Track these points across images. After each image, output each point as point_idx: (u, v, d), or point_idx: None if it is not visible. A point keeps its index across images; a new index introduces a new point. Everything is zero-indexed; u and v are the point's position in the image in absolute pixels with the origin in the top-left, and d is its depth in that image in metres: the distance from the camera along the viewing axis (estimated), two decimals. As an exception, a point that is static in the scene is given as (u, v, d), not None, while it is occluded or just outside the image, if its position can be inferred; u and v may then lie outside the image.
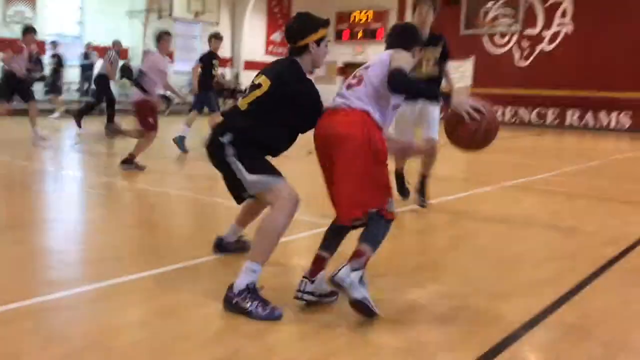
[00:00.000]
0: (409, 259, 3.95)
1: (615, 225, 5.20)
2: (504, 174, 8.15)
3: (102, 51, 17.37)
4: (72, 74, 16.96)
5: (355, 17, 24.50)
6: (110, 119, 11.44)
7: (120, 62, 13.78)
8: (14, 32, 14.20)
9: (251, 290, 2.81)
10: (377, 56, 3.18)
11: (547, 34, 20.32)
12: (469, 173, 8.66)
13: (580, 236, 4.76)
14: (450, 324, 2.82)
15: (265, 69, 3.16)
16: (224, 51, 21.89)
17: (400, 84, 2.92)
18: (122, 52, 16.43)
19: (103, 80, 11.92)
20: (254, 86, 3.08)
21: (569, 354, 2.58)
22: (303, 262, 3.85)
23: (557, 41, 20.11)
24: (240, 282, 2.82)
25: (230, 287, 2.84)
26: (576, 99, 19.59)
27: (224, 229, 3.81)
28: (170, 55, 19.26)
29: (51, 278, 3.30)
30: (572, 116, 19.97)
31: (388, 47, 3.23)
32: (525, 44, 20.67)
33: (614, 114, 19.21)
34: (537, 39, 20.45)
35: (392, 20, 23.66)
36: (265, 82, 3.04)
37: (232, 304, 2.80)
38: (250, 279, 2.83)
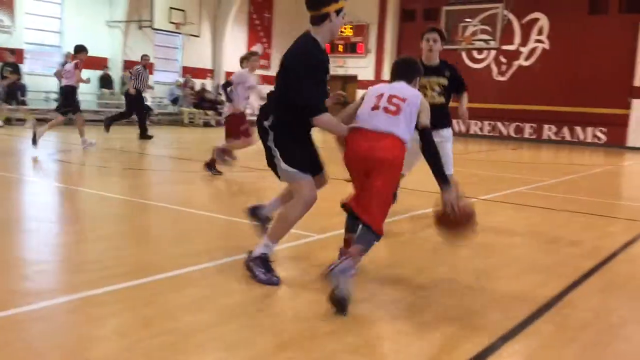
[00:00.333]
0: (387, 269, 3.97)
1: (591, 238, 5.28)
2: (482, 187, 8.23)
3: (81, 61, 17.26)
4: (51, 84, 16.78)
5: (336, 30, 24.66)
6: (142, 130, 12.93)
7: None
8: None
9: (262, 260, 3.35)
10: (408, 89, 3.59)
11: (524, 50, 20.70)
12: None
13: (557, 249, 4.82)
14: (429, 335, 2.83)
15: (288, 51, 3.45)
16: (205, 62, 21.89)
17: (428, 145, 3.49)
18: (99, 62, 16.35)
19: (131, 93, 13.00)
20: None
21: (547, 364, 2.61)
22: (289, 273, 3.86)
23: (534, 57, 20.49)
24: (256, 252, 3.39)
25: (249, 252, 3.43)
26: (553, 114, 19.95)
27: (202, 238, 3.79)
28: (150, 66, 19.25)
29: (27, 289, 3.24)
30: (548, 131, 20.30)
31: (393, 78, 3.73)
32: (503, 59, 21.01)
33: (589, 129, 19.57)
34: (515, 55, 20.81)
35: (372, 33, 23.91)
36: (282, 61, 3.38)
37: (247, 265, 3.39)
38: (264, 251, 3.38)
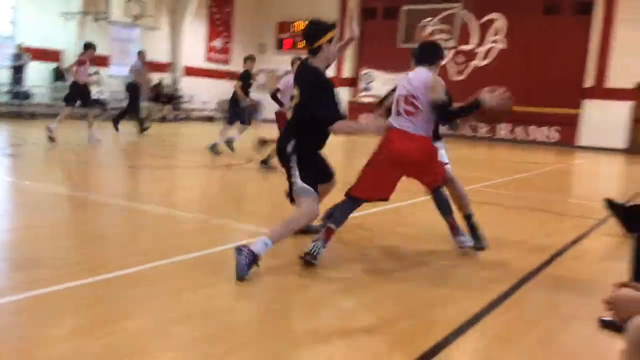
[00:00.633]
0: (342, 268, 4.01)
1: (542, 235, 5.44)
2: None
3: (34, 52, 16.76)
4: (2, 76, 16.26)
5: (297, 26, 24.65)
6: (141, 125, 13.54)
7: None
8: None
9: (254, 255, 3.52)
10: (418, 79, 4.08)
11: (481, 50, 21.09)
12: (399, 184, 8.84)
13: (507, 245, 4.95)
14: (383, 332, 2.89)
15: (295, 78, 4.04)
16: (163, 56, 21.54)
17: (446, 115, 4.20)
18: (53, 54, 15.90)
19: (132, 88, 13.55)
20: (292, 97, 3.94)
21: (497, 358, 2.69)
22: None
23: (491, 57, 20.91)
24: (254, 247, 3.53)
25: (247, 244, 3.57)
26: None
27: (156, 236, 3.76)
28: (105, 60, 18.84)
29: (-25, 288, 3.16)
30: (503, 130, 20.76)
31: (417, 63, 4.20)
32: (460, 59, 21.36)
33: (543, 128, 20.09)
34: (471, 55, 21.19)
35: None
36: (297, 90, 3.88)
37: (238, 249, 3.50)
38: (260, 249, 3.56)
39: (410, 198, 6.51)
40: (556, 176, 11.49)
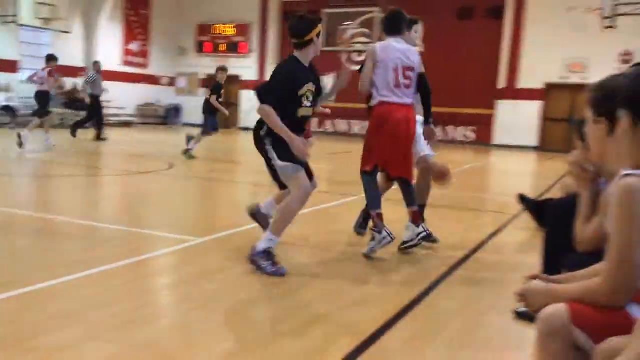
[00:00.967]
0: (258, 276, 3.96)
1: (460, 230, 5.62)
2: (349, 186, 8.46)
3: None
4: None
5: (217, 29, 24.36)
6: (99, 133, 14.23)
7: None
8: None
9: (267, 253, 3.67)
10: (413, 53, 4.56)
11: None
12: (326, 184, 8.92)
13: (428, 243, 5.06)
14: (306, 334, 2.87)
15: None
16: (77, 60, 20.69)
17: (425, 86, 4.61)
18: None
19: (92, 98, 14.21)
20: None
21: (421, 354, 2.73)
22: (167, 280, 3.75)
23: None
24: (259, 246, 3.68)
25: (253, 248, 3.71)
26: (427, 114, 20.97)
27: (72, 248, 3.58)
28: (14, 65, 17.90)
29: None
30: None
31: (390, 33, 4.58)
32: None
33: (460, 128, 20.83)
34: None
35: (255, 33, 23.84)
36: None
37: (252, 260, 3.70)
38: (267, 245, 3.69)
39: (337, 199, 6.55)
40: (473, 174, 11.92)
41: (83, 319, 2.88)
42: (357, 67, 5.10)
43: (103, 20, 21.32)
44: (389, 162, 4.49)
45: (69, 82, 19.95)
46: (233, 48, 24.14)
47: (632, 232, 1.61)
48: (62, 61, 20.51)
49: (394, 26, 4.59)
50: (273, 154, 3.84)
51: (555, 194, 6.76)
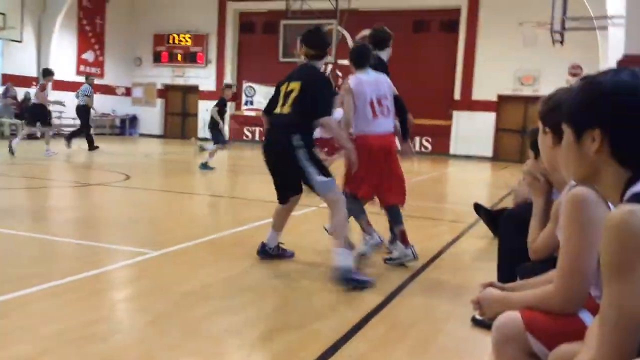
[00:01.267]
0: (227, 285, 3.93)
1: (419, 240, 5.64)
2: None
3: None
4: None
5: (174, 39, 24.11)
6: (90, 144, 14.66)
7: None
8: None
9: (348, 270, 3.74)
10: (383, 83, 4.64)
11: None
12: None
13: (387, 252, 5.09)
14: (270, 344, 2.85)
15: (290, 76, 4.19)
16: (29, 70, 20.15)
17: (402, 109, 4.80)
18: None
19: (84, 111, 14.78)
20: (288, 93, 4.01)
21: (378, 364, 2.74)
22: (122, 294, 3.66)
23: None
24: (341, 265, 3.76)
25: (335, 268, 3.79)
26: (385, 125, 21.22)
27: (19, 262, 3.46)
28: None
29: None
30: (382, 141, 21.57)
31: (359, 67, 4.66)
32: (339, 73, 21.98)
33: (417, 139, 21.13)
34: (349, 70, 21.84)
35: (212, 44, 23.72)
36: (296, 85, 4.02)
37: (339, 279, 3.75)
38: (347, 262, 3.78)
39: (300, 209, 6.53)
40: (431, 184, 12.10)
41: (35, 335, 2.79)
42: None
43: (56, 29, 20.84)
44: (381, 191, 4.61)
45: (21, 92, 19.42)
46: (191, 58, 23.94)
47: (581, 240, 1.65)
48: (13, 70, 20.10)
49: (361, 60, 4.68)
50: (312, 169, 3.89)
51: (509, 202, 6.91)
